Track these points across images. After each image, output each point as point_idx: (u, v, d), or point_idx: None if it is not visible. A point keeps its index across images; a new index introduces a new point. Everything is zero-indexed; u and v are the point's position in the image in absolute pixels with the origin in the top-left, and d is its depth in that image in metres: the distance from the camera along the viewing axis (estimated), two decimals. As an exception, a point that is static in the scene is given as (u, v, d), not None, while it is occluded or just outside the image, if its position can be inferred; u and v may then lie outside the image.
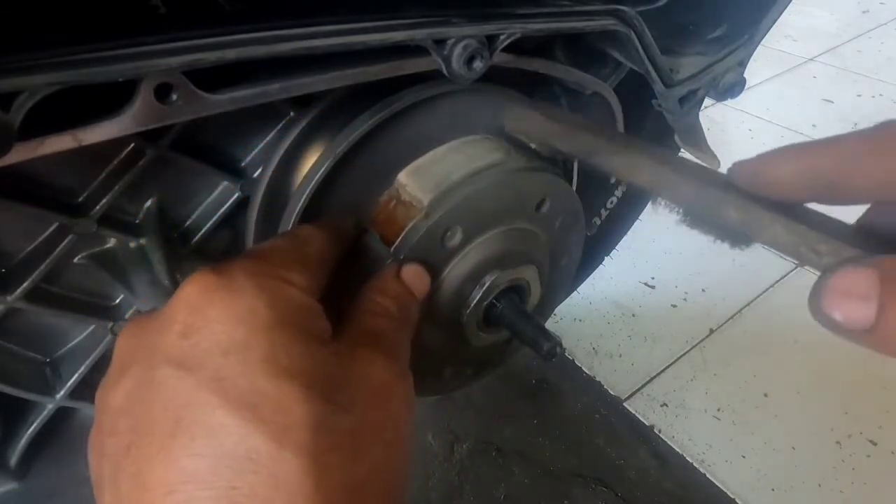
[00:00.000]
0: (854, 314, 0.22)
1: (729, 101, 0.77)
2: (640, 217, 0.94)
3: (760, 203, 0.28)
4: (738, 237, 0.29)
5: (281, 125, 0.49)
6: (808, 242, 0.26)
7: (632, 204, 0.88)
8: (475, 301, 0.50)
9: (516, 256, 0.52)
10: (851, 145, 0.25)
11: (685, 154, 0.75)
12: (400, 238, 0.46)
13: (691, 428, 1.14)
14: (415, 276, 0.45)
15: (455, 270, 0.49)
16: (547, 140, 0.45)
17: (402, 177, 0.49)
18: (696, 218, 0.31)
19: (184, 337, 0.32)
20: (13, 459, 0.50)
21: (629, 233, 0.98)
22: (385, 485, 0.34)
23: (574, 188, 0.60)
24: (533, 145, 0.49)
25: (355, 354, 0.36)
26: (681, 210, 0.32)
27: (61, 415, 0.51)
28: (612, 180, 0.80)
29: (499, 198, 0.50)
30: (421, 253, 0.46)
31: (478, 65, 0.45)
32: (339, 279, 0.43)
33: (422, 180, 0.48)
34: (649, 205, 0.89)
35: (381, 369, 0.36)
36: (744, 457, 1.10)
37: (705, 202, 0.30)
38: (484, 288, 0.50)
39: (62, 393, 0.49)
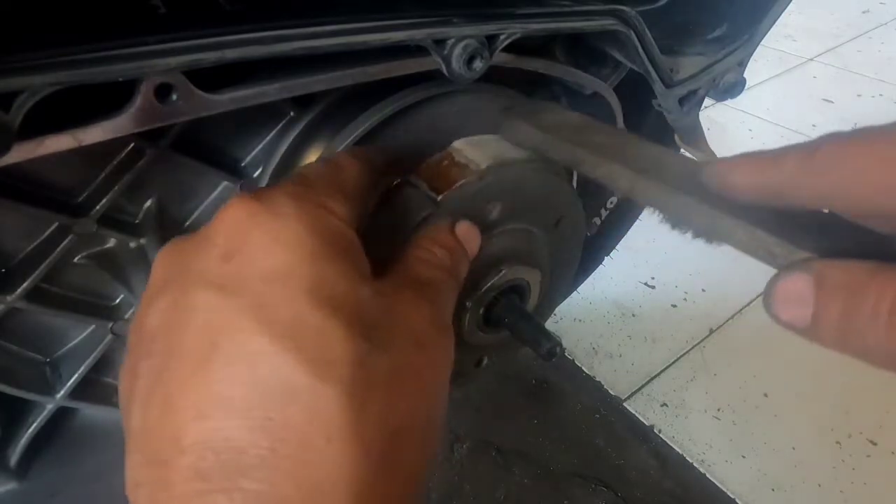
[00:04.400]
0: (795, 315, 0.26)
1: (729, 101, 0.77)
2: (640, 217, 0.94)
3: (726, 208, 0.31)
4: (710, 236, 0.33)
5: (281, 125, 0.49)
6: (766, 246, 0.29)
7: (632, 204, 0.88)
8: (487, 286, 0.49)
9: (530, 258, 0.52)
10: (790, 162, 0.27)
11: (685, 154, 0.75)
12: (450, 191, 0.45)
13: (691, 428, 1.14)
14: (468, 233, 0.43)
15: (482, 248, 0.48)
16: (538, 149, 0.46)
17: (458, 143, 0.49)
18: (673, 221, 0.34)
19: (224, 260, 0.31)
20: (13, 459, 0.50)
21: (629, 233, 0.98)
22: (419, 432, 0.33)
23: (574, 187, 0.60)
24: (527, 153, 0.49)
25: (401, 297, 0.35)
26: (659, 214, 0.35)
27: (61, 415, 0.51)
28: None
29: (538, 193, 0.50)
30: (461, 215, 0.46)
31: (478, 65, 0.45)
32: (373, 227, 0.43)
33: (479, 149, 0.48)
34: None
35: (426, 317, 0.35)
36: (744, 457, 1.10)
37: (677, 209, 0.34)
38: (499, 275, 0.50)
39: (62, 393, 0.49)
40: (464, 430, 1.12)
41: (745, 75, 0.67)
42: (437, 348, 0.36)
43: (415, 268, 0.39)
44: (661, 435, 1.13)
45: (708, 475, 1.07)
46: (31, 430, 0.49)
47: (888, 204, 0.25)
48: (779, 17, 0.66)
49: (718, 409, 1.17)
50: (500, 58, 0.47)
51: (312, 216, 0.33)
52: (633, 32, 0.52)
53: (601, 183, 0.39)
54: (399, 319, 0.34)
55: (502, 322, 0.51)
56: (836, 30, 2.57)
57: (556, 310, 0.90)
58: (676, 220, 0.34)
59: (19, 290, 0.43)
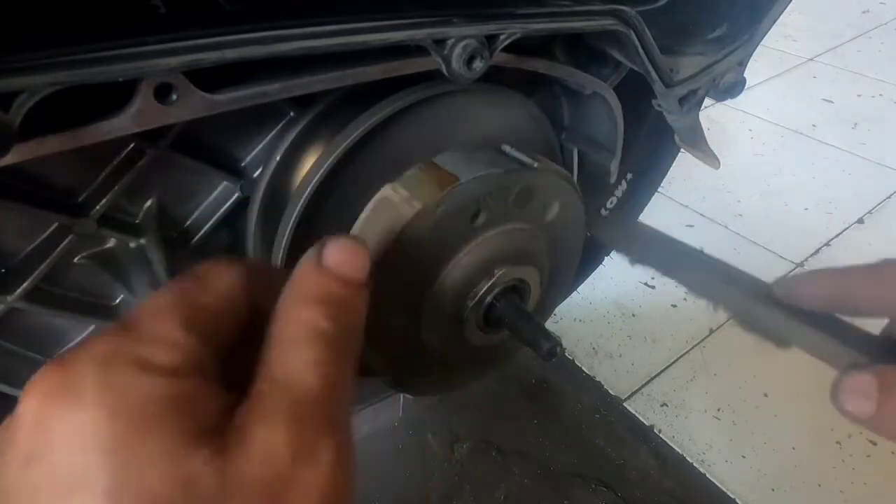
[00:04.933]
0: (860, 407, 0.32)
1: (729, 101, 0.77)
2: (640, 217, 0.94)
3: (798, 316, 0.37)
4: (780, 341, 0.38)
5: (281, 125, 0.49)
6: (833, 350, 0.36)
7: (632, 203, 0.88)
8: (505, 278, 0.50)
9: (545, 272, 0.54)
10: (858, 277, 0.34)
11: (685, 154, 0.75)
12: (548, 162, 0.49)
13: (691, 428, 1.14)
14: (342, 252, 0.32)
15: (516, 234, 0.49)
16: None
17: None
18: (749, 325, 0.40)
19: (25, 465, 0.27)
20: (13, 459, 0.50)
21: (629, 233, 0.98)
22: None
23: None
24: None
25: (247, 439, 0.27)
26: (736, 317, 0.41)
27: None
28: (612, 180, 0.80)
29: (570, 237, 0.55)
30: (539, 194, 0.48)
31: (478, 65, 0.45)
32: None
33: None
34: (649, 205, 0.90)
35: (283, 454, 0.27)
36: (744, 457, 1.10)
37: (758, 315, 0.40)
38: (516, 268, 0.50)
39: (62, 393, 0.49)
40: (464, 430, 1.12)
41: (745, 75, 0.67)
42: (300, 485, 0.28)
43: (277, 372, 0.29)
44: (661, 435, 1.13)
45: (708, 475, 1.08)
46: (31, 430, 0.49)
47: None
48: (779, 17, 0.66)
49: (718, 409, 1.17)
50: (500, 58, 0.47)
51: (119, 387, 0.27)
52: (633, 32, 0.52)
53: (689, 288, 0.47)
54: (245, 482, 0.27)
55: (502, 322, 0.51)
56: (836, 30, 2.56)
57: (556, 310, 0.90)
58: (752, 327, 0.40)
59: (19, 290, 0.43)
